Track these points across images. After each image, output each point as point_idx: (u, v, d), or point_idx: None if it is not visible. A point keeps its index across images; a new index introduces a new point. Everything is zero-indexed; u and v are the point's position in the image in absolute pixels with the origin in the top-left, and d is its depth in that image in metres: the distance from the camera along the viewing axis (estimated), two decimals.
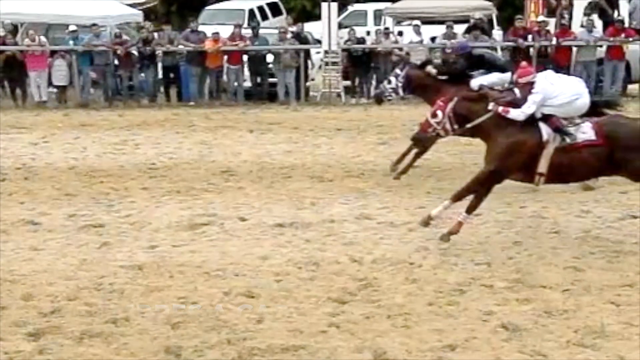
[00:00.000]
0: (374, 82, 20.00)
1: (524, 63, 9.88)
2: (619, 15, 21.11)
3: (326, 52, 19.82)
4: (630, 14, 21.05)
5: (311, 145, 14.79)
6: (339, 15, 21.46)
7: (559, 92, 8.98)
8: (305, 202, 11.19)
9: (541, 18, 21.17)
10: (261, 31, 20.46)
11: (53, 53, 19.78)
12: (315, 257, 8.95)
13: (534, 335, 6.96)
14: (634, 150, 8.84)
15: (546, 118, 8.98)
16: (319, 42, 20.28)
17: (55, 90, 19.94)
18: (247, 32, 20.21)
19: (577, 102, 9.01)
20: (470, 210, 9.22)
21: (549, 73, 9.53)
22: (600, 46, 19.38)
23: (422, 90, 12.23)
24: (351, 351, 6.73)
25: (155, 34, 19.93)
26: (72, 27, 19.88)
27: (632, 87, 19.68)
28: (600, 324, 7.09)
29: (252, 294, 7.94)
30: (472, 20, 20.25)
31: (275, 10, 26.93)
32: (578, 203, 10.80)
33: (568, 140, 8.89)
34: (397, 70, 12.88)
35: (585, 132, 8.94)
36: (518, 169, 9.04)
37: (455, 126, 9.14)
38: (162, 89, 20.05)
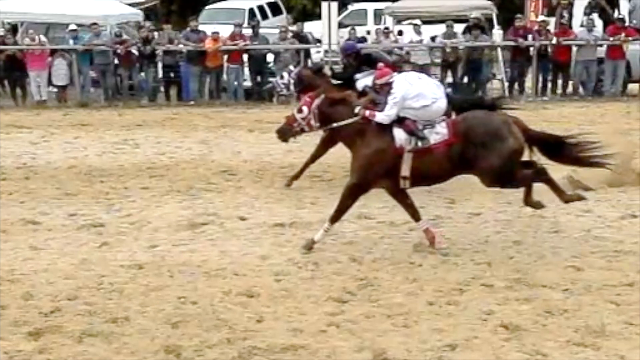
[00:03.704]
0: None
1: (381, 64, 9.83)
2: (619, 14, 21.10)
3: (326, 51, 19.82)
4: (630, 13, 21.06)
5: (311, 144, 14.76)
6: (339, 14, 21.47)
7: (418, 93, 8.88)
8: (305, 201, 11.19)
9: (541, 18, 21.19)
10: (261, 30, 20.45)
11: (53, 52, 19.78)
12: (315, 256, 8.95)
13: (534, 335, 6.96)
14: (483, 147, 8.74)
15: (400, 121, 8.91)
16: (319, 41, 20.29)
17: (55, 89, 19.94)
18: (247, 31, 20.22)
19: (433, 106, 8.89)
20: (417, 217, 9.20)
21: (409, 74, 9.44)
22: (601, 45, 19.38)
23: (310, 91, 12.09)
24: (351, 351, 6.73)
25: (156, 33, 19.93)
26: (72, 27, 19.87)
27: (632, 87, 19.67)
28: (601, 323, 7.09)
29: (252, 293, 7.94)
30: (470, 20, 20.26)
31: (275, 9, 26.95)
32: (578, 202, 10.77)
33: (420, 144, 8.83)
34: (291, 67, 12.88)
35: (439, 132, 8.86)
36: (380, 177, 8.99)
37: (319, 123, 9.16)
38: (162, 89, 20.05)
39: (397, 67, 11.13)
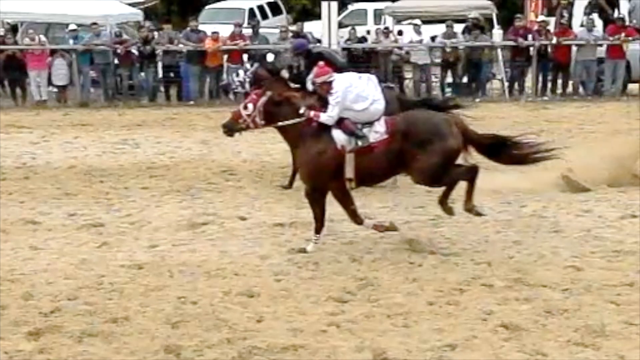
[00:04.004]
0: None
1: (321, 62, 9.82)
2: (619, 13, 21.10)
3: None
4: (629, 13, 21.06)
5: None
6: (339, 14, 21.46)
7: (358, 94, 8.87)
8: (305, 201, 11.14)
9: (541, 18, 21.19)
10: (261, 30, 20.45)
11: (53, 52, 19.79)
12: (315, 256, 8.95)
13: (534, 335, 6.95)
14: (422, 145, 8.75)
15: (338, 122, 8.89)
16: (319, 41, 20.28)
17: (55, 89, 19.95)
18: (247, 31, 20.22)
19: (371, 108, 8.89)
20: (360, 221, 9.23)
21: (349, 74, 9.39)
22: (600, 45, 19.38)
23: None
24: (351, 350, 6.73)
25: (155, 33, 19.94)
26: (72, 26, 19.89)
27: (632, 87, 19.67)
28: (601, 323, 7.08)
29: (252, 293, 7.94)
30: (469, 20, 20.29)
31: (275, 9, 26.97)
32: (578, 202, 10.79)
33: (360, 143, 8.82)
34: (247, 65, 12.78)
35: (378, 130, 8.87)
36: (330, 179, 8.97)
37: (264, 121, 9.12)
38: (162, 89, 20.05)
39: (338, 67, 11.10)
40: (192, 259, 8.94)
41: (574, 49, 19.42)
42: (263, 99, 9.11)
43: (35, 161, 13.94)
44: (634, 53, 19.40)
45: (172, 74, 19.82)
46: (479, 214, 9.22)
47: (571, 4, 21.93)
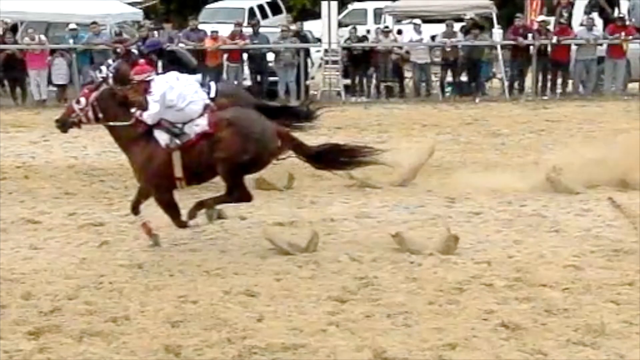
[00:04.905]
0: (374, 81, 20.05)
1: (142, 60, 9.76)
2: (619, 12, 21.11)
3: (326, 50, 19.83)
4: (629, 12, 21.06)
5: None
6: (339, 13, 21.47)
7: (176, 95, 8.90)
8: (305, 200, 11.18)
9: (541, 18, 21.20)
10: (261, 29, 20.46)
11: (53, 52, 19.80)
12: (315, 255, 8.94)
13: (534, 334, 6.95)
14: (238, 137, 8.84)
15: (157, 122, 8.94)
16: (319, 40, 20.29)
17: (55, 89, 19.95)
18: (247, 30, 20.23)
19: (186, 109, 8.93)
20: (184, 225, 9.29)
21: (169, 74, 9.41)
22: (600, 44, 19.39)
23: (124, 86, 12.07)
24: (351, 350, 6.72)
25: (155, 33, 19.94)
26: (72, 26, 19.89)
27: (631, 86, 19.67)
28: (600, 322, 7.08)
29: (252, 292, 7.93)
30: (466, 21, 20.31)
31: (275, 8, 26.98)
32: (578, 202, 10.79)
33: (179, 141, 8.85)
34: (110, 61, 12.76)
35: (199, 124, 8.91)
36: (168, 179, 8.96)
37: (100, 115, 9.08)
38: None
39: (189, 68, 11.10)
40: (192, 259, 8.93)
41: (574, 48, 19.43)
42: (95, 94, 9.08)
43: (35, 160, 13.94)
44: (634, 52, 19.40)
45: None
46: (211, 219, 9.43)
47: (571, 4, 21.93)
